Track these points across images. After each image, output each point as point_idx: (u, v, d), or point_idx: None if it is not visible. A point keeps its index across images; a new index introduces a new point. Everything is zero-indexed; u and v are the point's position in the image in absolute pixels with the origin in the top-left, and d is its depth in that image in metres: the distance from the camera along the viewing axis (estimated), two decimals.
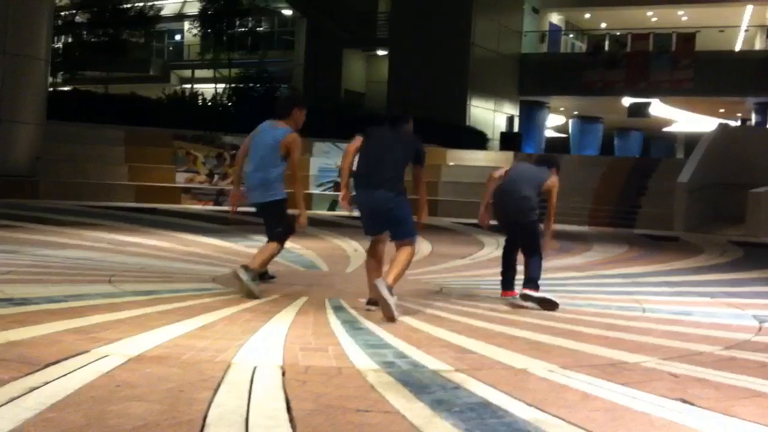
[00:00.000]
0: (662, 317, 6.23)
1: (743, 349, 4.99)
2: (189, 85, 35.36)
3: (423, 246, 11.72)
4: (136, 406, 3.18)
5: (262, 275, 6.82)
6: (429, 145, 21.65)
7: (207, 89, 28.58)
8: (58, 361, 3.75)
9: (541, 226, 6.71)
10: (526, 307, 6.32)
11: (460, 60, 29.52)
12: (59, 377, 3.51)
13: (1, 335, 4.22)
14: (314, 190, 19.66)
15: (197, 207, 17.98)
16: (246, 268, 6.15)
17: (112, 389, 3.39)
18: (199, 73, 36.89)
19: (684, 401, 3.62)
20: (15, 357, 3.81)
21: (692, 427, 3.27)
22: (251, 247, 9.17)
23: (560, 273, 7.17)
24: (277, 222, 6.53)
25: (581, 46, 36.52)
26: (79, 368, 3.67)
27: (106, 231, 11.20)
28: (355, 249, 10.44)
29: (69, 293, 5.74)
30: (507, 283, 6.80)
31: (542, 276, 6.51)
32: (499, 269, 6.92)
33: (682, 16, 33.10)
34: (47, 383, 3.40)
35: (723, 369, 4.35)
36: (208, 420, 3.05)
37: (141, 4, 32.39)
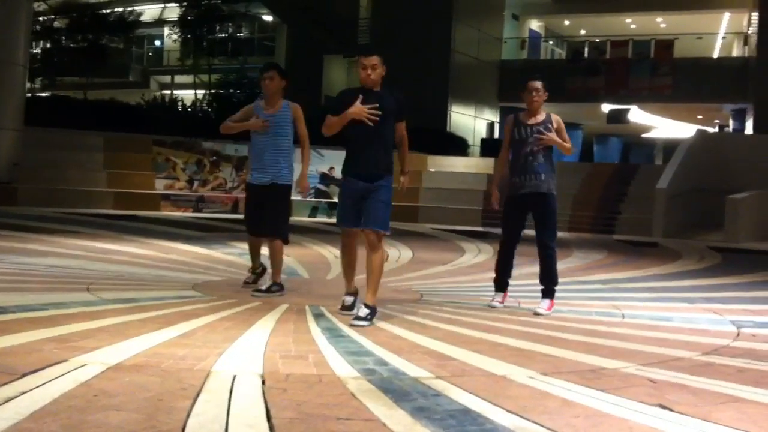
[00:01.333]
0: (641, 323, 6.26)
1: (721, 355, 5.03)
2: (169, 91, 35.24)
3: (403, 252, 11.73)
4: (115, 415, 3.16)
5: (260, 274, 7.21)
6: (410, 151, 21.69)
7: (187, 95, 28.50)
8: (35, 371, 3.72)
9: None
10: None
11: (440, 66, 29.60)
12: (37, 387, 3.47)
13: None
14: (295, 197, 19.60)
15: (177, 214, 17.91)
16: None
17: (90, 399, 3.36)
18: (179, 78, 36.76)
19: (663, 407, 3.64)
20: None
21: None
22: (228, 254, 9.13)
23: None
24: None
25: (561, 53, 36.77)
26: (57, 377, 3.64)
27: (85, 238, 11.13)
28: (335, 255, 10.42)
29: (47, 302, 5.69)
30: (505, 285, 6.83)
31: (521, 282, 6.54)
32: (482, 275, 6.94)
33: (661, 23, 33.41)
34: (24, 393, 3.37)
35: (701, 374, 4.38)
36: (187, 429, 3.03)
37: (120, 10, 32.27)
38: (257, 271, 7.20)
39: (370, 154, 5.73)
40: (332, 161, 18.26)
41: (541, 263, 6.64)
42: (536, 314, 6.38)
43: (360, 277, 6.08)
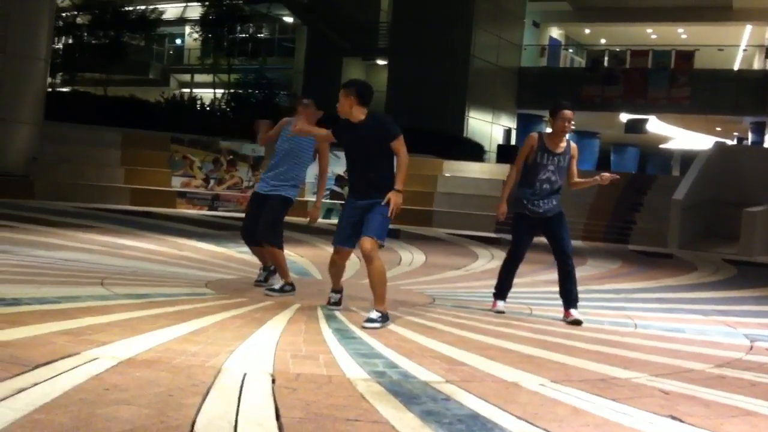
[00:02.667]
0: (654, 333, 6.23)
1: (734, 368, 4.99)
2: (188, 90, 35.43)
3: (416, 256, 11.72)
4: (125, 409, 3.17)
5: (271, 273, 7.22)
6: (426, 156, 21.71)
7: (206, 94, 28.63)
8: (47, 363, 3.74)
9: None
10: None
11: (459, 72, 29.60)
12: (48, 379, 3.49)
13: None
14: (310, 198, 19.65)
15: (192, 212, 17.98)
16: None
17: (100, 392, 3.38)
18: (199, 77, 36.96)
19: (674, 418, 3.62)
20: (5, 357, 3.80)
21: None
22: (243, 253, 9.15)
23: (553, 287, 7.18)
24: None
25: (580, 61, 36.69)
26: (69, 370, 3.66)
27: (100, 233, 11.18)
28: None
29: (61, 295, 5.72)
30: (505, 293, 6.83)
31: (534, 290, 6.52)
32: (494, 281, 6.93)
33: (682, 34, 33.27)
34: (36, 384, 3.39)
35: (713, 387, 4.35)
36: (196, 426, 3.03)
37: (143, 8, 32.46)
38: (270, 267, 7.22)
39: (363, 180, 5.85)
40: None
41: (567, 273, 6.60)
42: (578, 323, 6.35)
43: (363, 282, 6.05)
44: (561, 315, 6.55)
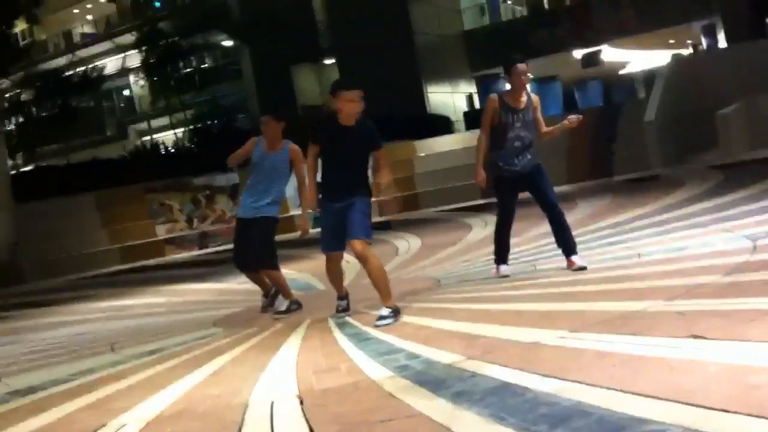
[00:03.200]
0: (658, 258, 6.26)
1: (742, 272, 5.02)
2: (148, 137, 35.25)
3: (412, 242, 11.73)
4: None
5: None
6: (394, 142, 21.67)
7: (167, 136, 28.51)
8: None
9: None
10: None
11: (406, 51, 29.55)
12: None
13: (19, 428, 4.17)
14: (294, 212, 19.61)
15: (184, 255, 17.92)
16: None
17: None
18: (156, 122, 36.76)
19: (696, 337, 3.64)
20: None
21: (709, 360, 3.29)
22: (244, 283, 9.14)
23: (550, 239, 7.18)
24: None
25: (522, 11, 36.62)
26: None
27: (99, 300, 11.14)
28: (347, 261, 10.41)
29: (74, 371, 5.69)
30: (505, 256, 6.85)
31: (533, 245, 6.54)
32: (492, 247, 6.95)
33: None
34: None
35: (727, 296, 4.38)
36: None
37: (83, 68, 32.25)
38: (271, 292, 7.22)
39: (342, 180, 5.84)
40: None
41: (558, 224, 6.61)
42: (583, 268, 6.34)
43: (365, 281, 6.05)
44: (564, 265, 6.56)
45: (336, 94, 5.78)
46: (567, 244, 6.57)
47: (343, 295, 6.29)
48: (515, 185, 6.67)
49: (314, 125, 6.04)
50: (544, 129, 6.74)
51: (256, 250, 6.85)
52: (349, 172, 5.85)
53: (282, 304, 6.91)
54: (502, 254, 6.83)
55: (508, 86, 6.76)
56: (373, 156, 5.99)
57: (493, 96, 6.68)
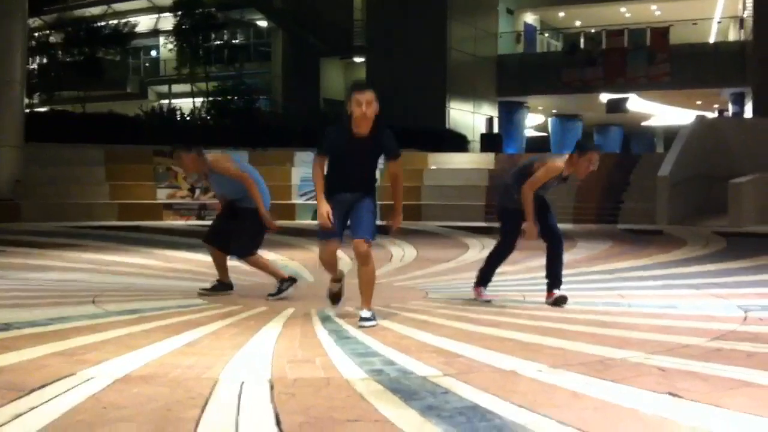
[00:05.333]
0: (648, 311, 6.24)
1: (729, 340, 5.01)
2: (167, 101, 35.26)
3: (408, 251, 11.72)
4: (124, 427, 3.15)
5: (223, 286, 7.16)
6: (409, 149, 21.69)
7: (185, 104, 28.50)
8: (43, 386, 3.72)
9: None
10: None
11: (437, 64, 29.59)
12: (45, 402, 3.47)
13: None
14: (297, 200, 19.63)
15: (180, 222, 17.91)
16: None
17: (99, 412, 3.36)
18: (177, 88, 36.76)
19: (673, 395, 3.63)
20: (0, 384, 3.77)
21: (682, 421, 3.28)
22: (232, 259, 9.13)
23: (545, 272, 7.20)
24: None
25: (557, 45, 36.71)
26: (65, 392, 3.64)
27: (89, 251, 11.13)
28: (338, 257, 10.41)
29: (52, 316, 5.69)
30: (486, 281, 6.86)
31: (526, 276, 6.53)
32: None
33: (656, 11, 33.33)
34: (32, 409, 3.37)
35: (710, 360, 4.36)
36: None
37: (115, 22, 32.27)
38: (224, 281, 7.22)
39: (352, 179, 5.70)
40: None
41: (556, 255, 6.65)
42: (563, 298, 6.44)
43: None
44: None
45: (350, 96, 5.53)
46: (556, 278, 6.61)
47: (338, 278, 6.21)
48: (521, 219, 6.60)
49: (323, 134, 5.75)
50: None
51: (237, 237, 6.91)
52: (362, 171, 5.75)
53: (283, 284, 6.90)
54: (485, 279, 6.84)
55: (560, 158, 6.65)
56: (387, 166, 5.83)
57: (561, 165, 6.52)
